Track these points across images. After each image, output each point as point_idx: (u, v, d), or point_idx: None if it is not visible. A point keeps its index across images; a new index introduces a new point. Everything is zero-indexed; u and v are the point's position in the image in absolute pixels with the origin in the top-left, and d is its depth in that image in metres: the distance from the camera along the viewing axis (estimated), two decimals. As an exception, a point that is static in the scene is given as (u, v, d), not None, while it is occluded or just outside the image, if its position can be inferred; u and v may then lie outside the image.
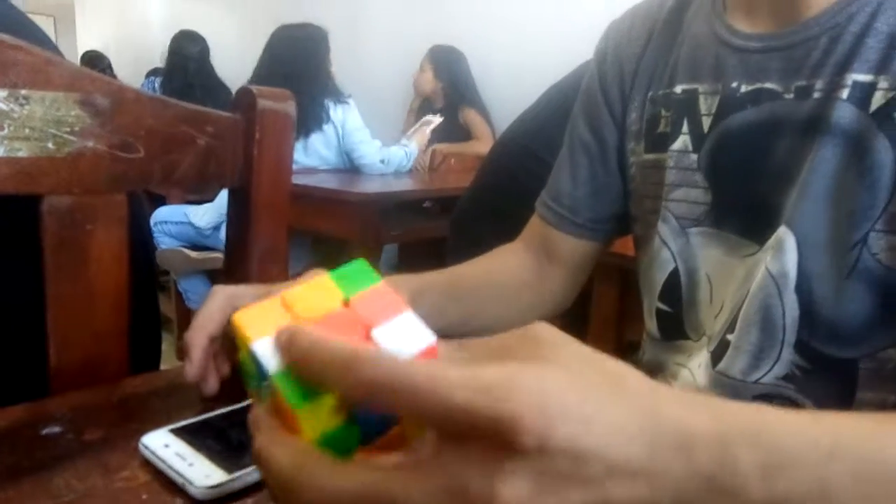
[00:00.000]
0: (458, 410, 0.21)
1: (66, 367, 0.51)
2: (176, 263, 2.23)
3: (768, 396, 0.51)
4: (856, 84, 0.46)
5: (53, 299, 0.50)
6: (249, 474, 0.37)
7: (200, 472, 0.37)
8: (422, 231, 2.16)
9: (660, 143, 0.58)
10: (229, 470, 0.37)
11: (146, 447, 0.40)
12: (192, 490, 0.35)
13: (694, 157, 0.55)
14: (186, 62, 3.04)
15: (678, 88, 0.57)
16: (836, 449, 0.23)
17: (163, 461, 0.38)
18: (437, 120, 2.63)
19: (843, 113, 0.46)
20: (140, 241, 0.65)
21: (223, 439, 0.41)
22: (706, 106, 0.55)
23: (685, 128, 0.56)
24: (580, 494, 0.21)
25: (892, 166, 0.45)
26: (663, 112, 0.58)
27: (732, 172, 0.53)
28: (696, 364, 0.55)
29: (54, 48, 0.62)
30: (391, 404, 0.22)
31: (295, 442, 0.24)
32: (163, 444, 0.40)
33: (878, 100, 0.45)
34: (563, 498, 0.21)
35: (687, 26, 0.59)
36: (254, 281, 0.58)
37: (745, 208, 0.52)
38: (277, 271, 0.60)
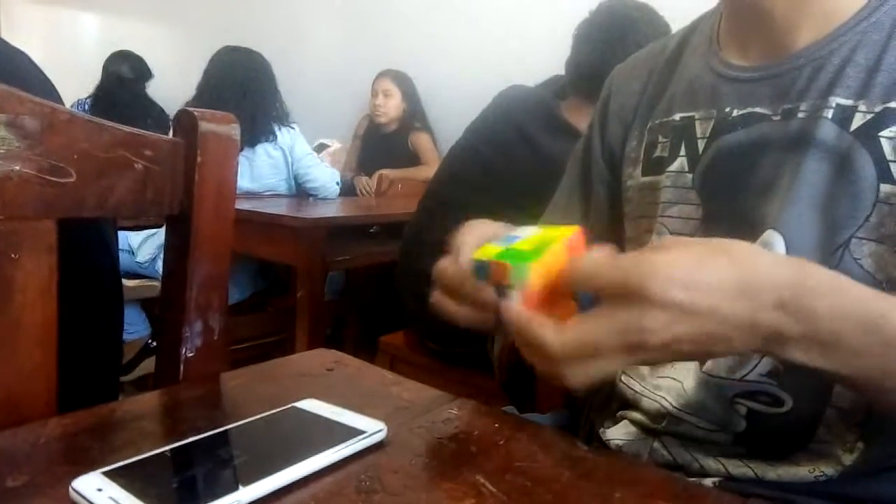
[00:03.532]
0: (614, 285, 0.39)
1: (-14, 407, 0.47)
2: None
3: (750, 393, 0.54)
4: (838, 106, 0.52)
5: (-27, 334, 0.46)
6: (191, 518, 0.35)
7: (137, 517, 0.34)
8: (368, 256, 2.14)
9: (656, 166, 0.64)
10: (170, 514, 0.34)
11: (77, 492, 0.37)
12: (127, 538, 0.33)
13: (689, 176, 0.61)
14: (121, 83, 2.95)
15: (677, 116, 0.63)
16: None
17: (96, 508, 0.35)
18: (335, 146, 2.62)
19: (827, 130, 0.52)
20: (107, 268, 0.62)
21: (161, 481, 0.39)
22: (701, 130, 0.61)
23: (682, 151, 0.62)
24: (698, 327, 0.38)
25: (872, 180, 0.50)
26: (661, 139, 0.65)
27: (722, 187, 0.58)
28: (683, 367, 0.58)
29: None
30: (585, 287, 0.41)
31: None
32: (95, 489, 0.37)
33: (858, 120, 0.51)
34: (686, 329, 0.38)
35: (684, 64, 0.66)
36: (192, 311, 0.56)
37: (731, 220, 0.57)
38: (218, 300, 0.57)
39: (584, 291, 0.42)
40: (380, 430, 0.46)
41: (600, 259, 0.41)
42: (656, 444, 0.61)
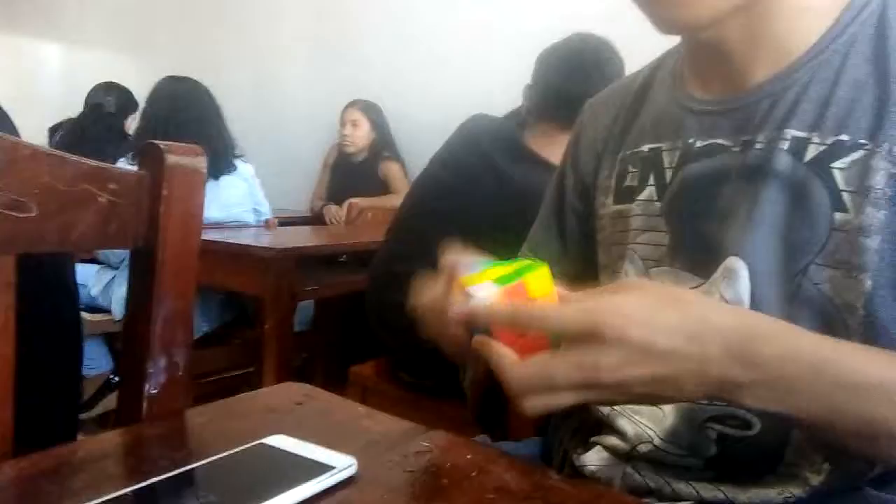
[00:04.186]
0: (571, 326, 0.42)
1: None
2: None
3: (721, 417, 0.56)
4: (794, 138, 0.55)
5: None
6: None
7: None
8: (338, 286, 2.13)
9: (626, 195, 0.67)
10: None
11: (32, 540, 0.35)
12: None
13: (658, 204, 0.63)
14: (100, 116, 2.88)
15: (645, 147, 0.66)
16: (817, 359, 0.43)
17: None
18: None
19: (784, 161, 0.54)
20: (66, 304, 0.61)
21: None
22: (668, 160, 0.63)
23: (651, 180, 0.64)
24: (650, 369, 0.41)
25: (826, 209, 0.52)
26: (630, 168, 0.67)
27: (688, 215, 0.60)
28: None
29: None
30: (545, 328, 0.44)
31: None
32: (52, 536, 0.35)
33: (811, 151, 0.53)
34: (639, 370, 0.41)
35: (652, 98, 0.69)
36: (155, 346, 0.54)
37: (697, 246, 0.59)
38: (182, 335, 0.56)
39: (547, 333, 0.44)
40: (350, 466, 0.45)
41: (559, 303, 0.44)
42: (629, 469, 0.61)
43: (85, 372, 2.09)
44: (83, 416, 1.94)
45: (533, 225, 0.84)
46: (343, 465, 0.45)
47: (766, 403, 0.43)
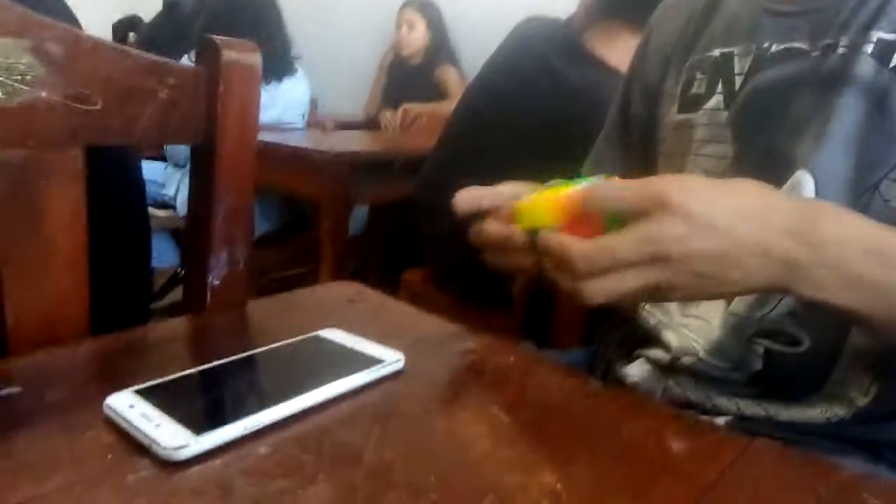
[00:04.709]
0: (634, 199, 0.41)
1: (23, 327, 0.49)
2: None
3: (769, 332, 0.55)
4: (879, 41, 0.51)
5: (6, 258, 0.48)
6: (217, 435, 0.36)
7: (167, 433, 0.36)
8: (392, 191, 2.14)
9: (692, 103, 0.64)
10: (197, 431, 0.36)
11: (110, 408, 0.39)
12: (158, 451, 0.35)
13: (724, 114, 0.60)
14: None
15: (716, 52, 0.62)
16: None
17: (128, 422, 0.37)
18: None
19: (866, 67, 0.51)
20: (133, 196, 0.64)
21: (191, 400, 0.41)
22: (740, 66, 0.60)
23: (719, 88, 0.61)
24: (714, 243, 0.40)
25: None
26: (698, 75, 0.64)
27: (756, 125, 0.57)
28: (711, 306, 0.59)
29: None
30: (606, 206, 0.43)
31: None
32: (128, 405, 0.39)
33: None
34: (704, 243, 0.39)
35: (727, 2, 0.65)
36: (217, 241, 0.57)
37: (763, 159, 0.56)
38: (242, 231, 0.58)
39: (608, 213, 0.43)
40: (398, 360, 0.47)
41: (621, 181, 0.43)
42: (670, 382, 0.62)
43: (155, 265, 2.21)
44: (154, 305, 2.07)
45: (588, 133, 0.82)
46: (392, 359, 0.47)
47: (827, 292, 0.41)
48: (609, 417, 0.43)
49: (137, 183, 0.66)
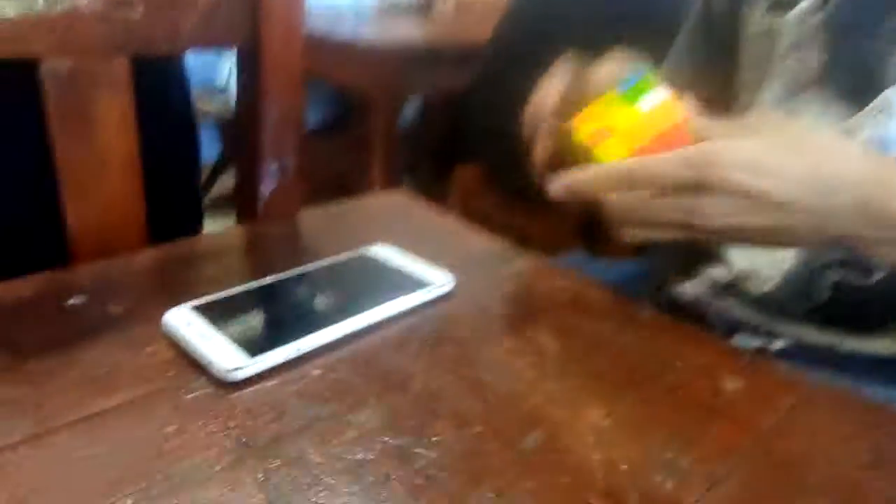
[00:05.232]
0: (678, 176, 0.38)
1: (84, 236, 0.51)
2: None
3: (842, 261, 0.52)
4: None
5: (63, 167, 0.49)
6: (271, 357, 0.37)
7: (223, 353, 0.37)
8: (446, 84, 2.07)
9: (781, 5, 0.58)
10: (252, 352, 0.37)
11: (169, 325, 0.40)
12: (214, 372, 0.36)
13: (818, 17, 0.54)
14: None
15: None
16: None
17: (185, 341, 0.39)
18: None
19: None
20: (181, 102, 0.63)
21: (245, 319, 0.42)
22: None
23: None
24: (766, 219, 0.37)
25: None
26: None
27: (850, 30, 0.52)
28: None
29: None
30: (650, 184, 0.39)
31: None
32: (185, 322, 0.40)
33: None
34: (752, 219, 0.37)
35: None
36: (266, 152, 0.56)
37: (852, 69, 0.52)
38: (292, 140, 0.57)
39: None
40: (447, 283, 0.47)
41: (664, 154, 0.40)
42: (728, 303, 0.60)
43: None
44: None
45: (670, 29, 0.75)
46: (441, 281, 0.46)
47: (890, 259, 0.40)
48: (661, 350, 0.42)
49: (181, 81, 0.64)
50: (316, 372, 0.38)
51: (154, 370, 0.37)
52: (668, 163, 0.39)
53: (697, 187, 0.38)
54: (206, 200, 2.10)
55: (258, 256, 0.53)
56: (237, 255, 0.53)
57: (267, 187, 0.57)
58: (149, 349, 0.39)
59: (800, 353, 0.56)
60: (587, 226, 1.24)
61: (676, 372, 0.40)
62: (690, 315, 0.62)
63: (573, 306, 0.47)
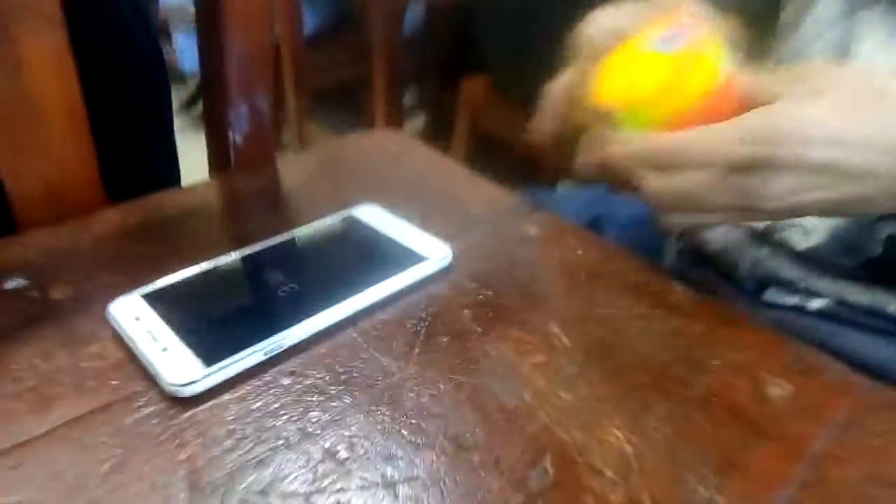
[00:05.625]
0: (730, 153, 0.31)
1: (28, 198, 0.44)
2: (179, 17, 2.04)
3: None
4: None
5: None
6: (232, 367, 0.32)
7: (173, 360, 0.31)
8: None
9: None
10: (209, 359, 0.31)
11: (114, 318, 0.34)
12: (163, 386, 0.31)
13: None
14: None
15: None
16: None
17: (132, 341, 0.33)
18: None
19: None
20: (143, 36, 0.54)
21: (205, 310, 0.36)
22: None
23: None
24: (834, 192, 0.32)
25: None
26: None
27: None
28: None
29: None
30: (706, 163, 0.33)
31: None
32: (133, 316, 0.34)
33: None
34: (820, 195, 0.32)
35: None
36: (234, 92, 0.48)
37: None
38: (262, 79, 0.49)
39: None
40: (444, 257, 0.40)
41: (715, 128, 0.33)
42: (763, 253, 0.53)
43: (182, 66, 2.10)
44: (188, 114, 2.04)
45: None
46: (437, 255, 0.40)
47: None
48: (695, 344, 0.36)
49: (146, 20, 0.55)
50: (286, 381, 0.32)
51: (97, 377, 0.32)
52: (721, 138, 0.32)
53: (758, 166, 0.31)
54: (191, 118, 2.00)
55: (229, 219, 0.46)
56: (204, 219, 0.46)
57: (237, 133, 0.50)
58: (93, 348, 0.34)
59: (840, 314, 0.50)
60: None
61: (712, 374, 0.34)
62: (717, 265, 0.55)
63: (590, 283, 0.40)
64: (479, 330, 0.36)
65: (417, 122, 2.25)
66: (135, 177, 0.51)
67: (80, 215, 0.44)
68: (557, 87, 0.40)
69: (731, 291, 0.55)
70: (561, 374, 0.33)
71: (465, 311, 0.37)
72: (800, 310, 0.52)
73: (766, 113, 0.32)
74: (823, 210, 0.34)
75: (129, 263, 0.40)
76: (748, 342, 0.36)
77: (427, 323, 0.36)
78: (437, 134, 1.89)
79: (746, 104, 0.32)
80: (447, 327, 0.36)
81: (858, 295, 0.50)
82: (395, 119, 1.75)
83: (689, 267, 0.59)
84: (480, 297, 0.38)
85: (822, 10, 0.48)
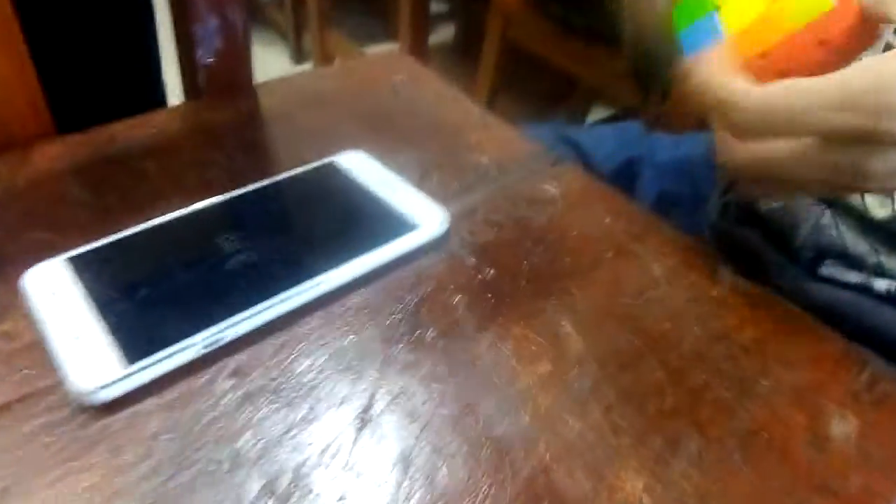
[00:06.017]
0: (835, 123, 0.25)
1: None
2: None
3: None
4: None
5: None
6: (159, 365, 0.25)
7: (87, 354, 0.25)
8: None
9: None
10: (133, 353, 0.25)
11: (27, 291, 0.28)
12: (68, 388, 0.25)
13: None
14: None
15: None
16: None
17: (42, 324, 0.27)
18: None
19: None
20: None
21: (140, 285, 0.29)
22: None
23: None
24: None
25: None
26: None
27: None
28: None
29: None
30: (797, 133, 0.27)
31: None
32: (49, 291, 0.28)
33: None
34: None
35: None
36: (203, 2, 0.39)
37: None
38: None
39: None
40: (439, 224, 0.33)
41: (817, 83, 0.26)
42: (825, 219, 0.45)
43: None
44: None
45: None
46: (430, 222, 0.33)
47: None
48: (741, 355, 0.28)
49: None
50: (227, 383, 0.26)
51: (4, 367, 0.26)
52: (819, 102, 0.25)
53: (861, 139, 0.24)
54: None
55: (188, 161, 0.39)
56: (159, 159, 0.39)
57: (207, 51, 0.42)
58: (4, 327, 0.28)
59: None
60: (650, 77, 1.04)
61: (761, 399, 0.27)
62: (770, 227, 0.47)
63: (616, 265, 0.33)
64: (474, 323, 0.29)
65: (446, 32, 2.11)
66: (110, 103, 0.43)
67: (14, 148, 0.37)
68: None
69: (780, 260, 0.47)
70: (570, 390, 0.26)
71: (459, 296, 0.30)
72: (863, 289, 0.44)
73: (880, 66, 0.24)
74: None
75: (65, 215, 0.33)
76: (810, 354, 0.29)
77: (409, 312, 0.29)
78: (467, 47, 1.76)
79: (869, 26, 0.26)
80: (435, 318, 0.29)
81: None
82: (422, 29, 1.62)
83: (734, 225, 0.51)
84: (480, 277, 0.31)
85: None
